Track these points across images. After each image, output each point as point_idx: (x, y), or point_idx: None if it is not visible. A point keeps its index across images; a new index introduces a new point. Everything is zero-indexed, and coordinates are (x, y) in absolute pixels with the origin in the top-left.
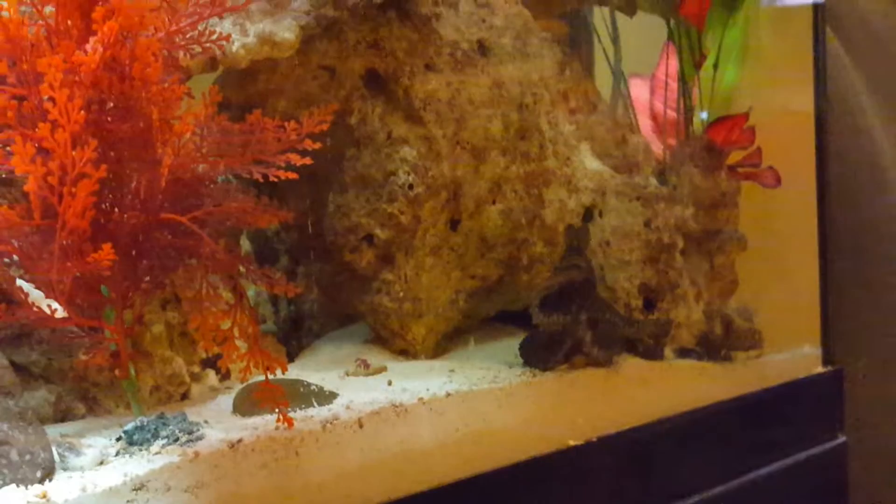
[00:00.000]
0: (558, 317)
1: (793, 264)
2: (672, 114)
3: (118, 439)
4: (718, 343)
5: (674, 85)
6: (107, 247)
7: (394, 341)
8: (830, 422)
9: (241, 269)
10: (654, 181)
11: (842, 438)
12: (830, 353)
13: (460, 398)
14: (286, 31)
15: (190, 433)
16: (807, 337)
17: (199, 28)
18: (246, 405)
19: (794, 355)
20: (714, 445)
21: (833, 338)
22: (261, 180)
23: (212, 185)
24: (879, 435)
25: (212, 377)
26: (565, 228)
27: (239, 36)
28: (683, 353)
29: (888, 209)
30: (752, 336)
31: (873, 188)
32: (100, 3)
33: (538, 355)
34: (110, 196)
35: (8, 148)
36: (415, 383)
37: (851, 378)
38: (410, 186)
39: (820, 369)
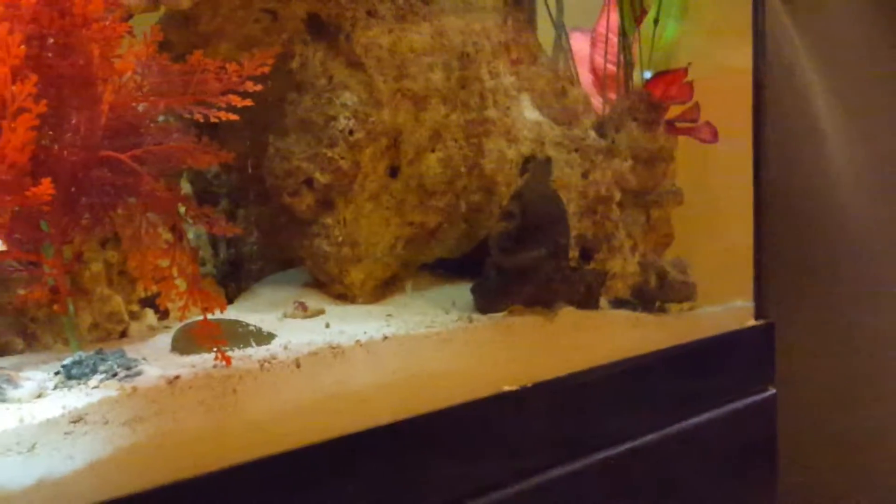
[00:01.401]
0: (528, 253)
1: (728, 219)
2: (612, 68)
3: (56, 373)
4: (653, 294)
5: (614, 39)
6: (46, 181)
7: (332, 285)
8: (761, 374)
9: (181, 208)
10: (592, 134)
11: (772, 391)
12: (762, 307)
13: (397, 342)
14: None
15: (128, 369)
16: (740, 291)
17: None
18: (184, 343)
19: (726, 309)
20: (647, 394)
21: (765, 293)
22: (201, 121)
23: (152, 125)
24: (808, 389)
25: (150, 316)
26: (524, 160)
27: None
28: (618, 303)
29: (822, 168)
30: (686, 289)
31: (810, 147)
32: None
33: (497, 295)
34: (50, 132)
35: None
36: (352, 326)
37: (783, 332)
38: (351, 132)
39: (752, 323)
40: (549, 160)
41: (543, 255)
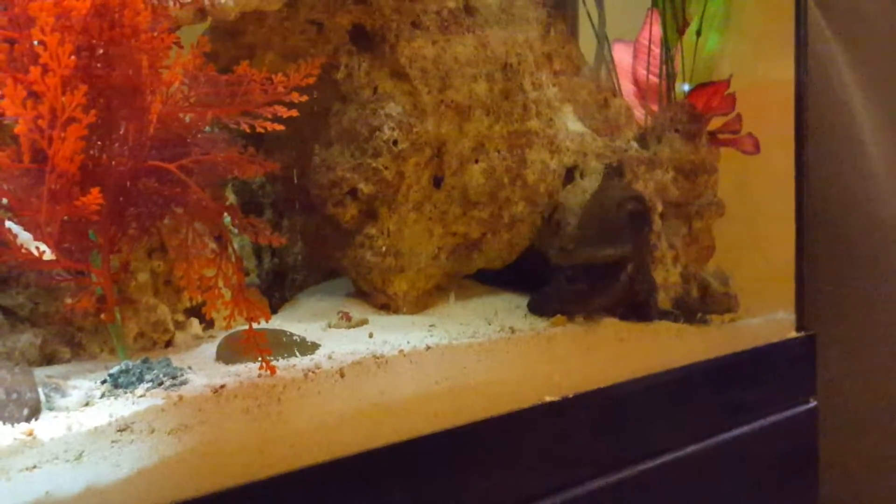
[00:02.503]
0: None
1: (769, 230)
2: (654, 79)
3: (103, 382)
4: (695, 306)
5: (656, 51)
6: (95, 191)
7: (375, 296)
8: (803, 386)
9: (227, 218)
10: (634, 145)
11: (813, 403)
12: (804, 318)
13: (440, 352)
14: None
15: (174, 378)
16: (781, 302)
17: None
18: (229, 353)
19: (768, 320)
20: (688, 406)
21: (807, 304)
22: (248, 131)
23: (199, 135)
24: (850, 401)
25: (195, 326)
26: (605, 165)
27: None
28: (660, 314)
29: (864, 180)
30: (728, 300)
31: (850, 158)
32: None
33: (571, 298)
34: (99, 142)
35: None
36: (395, 336)
37: (824, 344)
38: (395, 142)
39: (793, 334)
40: (620, 164)
41: (628, 251)
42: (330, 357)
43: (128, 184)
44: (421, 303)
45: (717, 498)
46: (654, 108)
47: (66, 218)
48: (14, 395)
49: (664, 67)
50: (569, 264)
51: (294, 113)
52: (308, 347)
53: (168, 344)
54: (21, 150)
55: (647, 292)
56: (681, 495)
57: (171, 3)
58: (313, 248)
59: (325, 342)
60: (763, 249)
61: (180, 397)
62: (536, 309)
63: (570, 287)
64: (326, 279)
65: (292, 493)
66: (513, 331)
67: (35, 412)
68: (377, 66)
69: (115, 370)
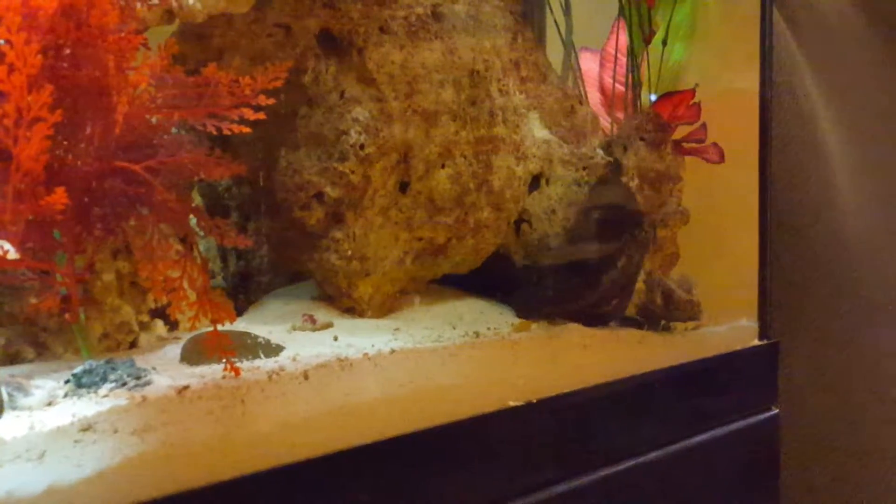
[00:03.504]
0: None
1: (733, 239)
2: (620, 88)
3: (67, 382)
4: (658, 313)
5: (623, 59)
6: (60, 190)
7: (341, 299)
8: (765, 394)
9: (193, 219)
10: (600, 152)
11: (775, 410)
12: (767, 327)
13: (404, 355)
14: None
15: (138, 378)
16: (744, 310)
17: None
18: (194, 354)
19: (731, 328)
20: (651, 412)
21: (770, 313)
22: (214, 133)
23: (165, 136)
24: (811, 409)
25: (160, 327)
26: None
27: None
28: (624, 321)
29: (827, 190)
30: (692, 307)
31: (813, 169)
32: None
33: (565, 297)
34: (65, 141)
35: None
36: (360, 340)
37: (786, 352)
38: (362, 146)
39: (756, 342)
40: (618, 166)
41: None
42: (294, 359)
43: (93, 184)
44: (386, 307)
45: (680, 503)
46: (620, 116)
47: (30, 217)
48: None
49: (630, 76)
50: (555, 264)
51: (261, 116)
52: (272, 349)
53: (132, 345)
54: None
55: (625, 290)
56: (643, 501)
57: (138, 5)
58: (279, 250)
59: (289, 344)
60: (727, 258)
61: (144, 398)
62: (525, 310)
63: (563, 286)
64: (292, 282)
65: (255, 495)
66: (477, 335)
67: None
68: (344, 71)
69: (78, 370)
